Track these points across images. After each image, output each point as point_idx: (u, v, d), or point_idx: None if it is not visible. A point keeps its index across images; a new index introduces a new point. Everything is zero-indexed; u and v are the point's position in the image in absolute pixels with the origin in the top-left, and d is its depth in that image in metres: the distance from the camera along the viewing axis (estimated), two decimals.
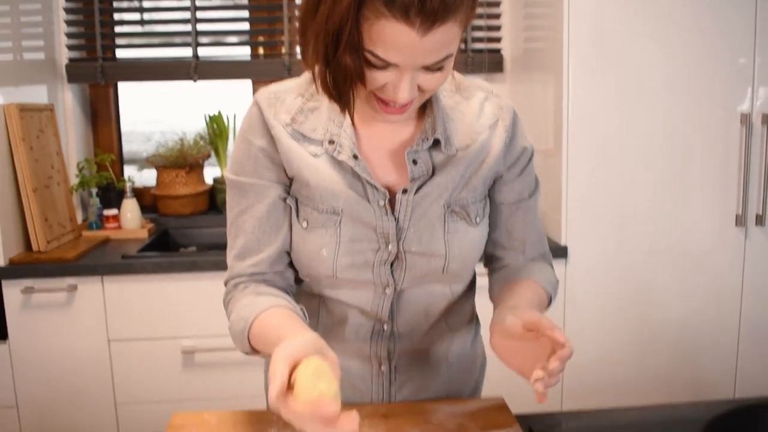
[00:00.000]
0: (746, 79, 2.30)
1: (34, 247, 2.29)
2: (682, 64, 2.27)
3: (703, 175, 2.34)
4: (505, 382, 1.27)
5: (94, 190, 2.68)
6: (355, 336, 1.13)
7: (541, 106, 2.47)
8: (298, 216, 1.07)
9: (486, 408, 1.10)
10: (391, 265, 1.07)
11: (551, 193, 2.41)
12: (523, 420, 1.08)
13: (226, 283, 1.10)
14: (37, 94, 2.55)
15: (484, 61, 2.76)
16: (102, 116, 2.92)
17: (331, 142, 1.02)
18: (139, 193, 2.81)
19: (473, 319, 1.25)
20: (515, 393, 1.28)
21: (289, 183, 1.07)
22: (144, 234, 2.61)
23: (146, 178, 2.98)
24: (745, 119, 2.30)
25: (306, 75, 1.06)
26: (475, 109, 1.08)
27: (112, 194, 2.73)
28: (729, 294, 2.42)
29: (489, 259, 1.22)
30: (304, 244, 1.06)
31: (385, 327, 1.12)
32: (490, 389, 1.27)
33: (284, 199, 1.07)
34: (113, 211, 2.64)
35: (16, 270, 2.21)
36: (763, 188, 2.34)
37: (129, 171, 3.00)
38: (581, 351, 2.37)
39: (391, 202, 1.05)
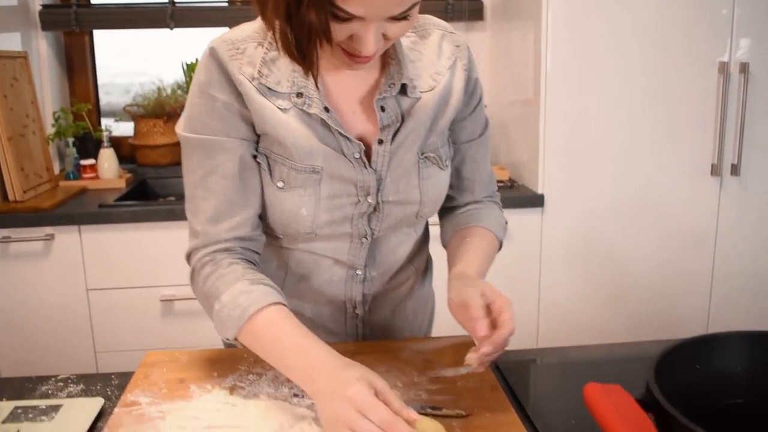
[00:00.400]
0: (726, 30, 2.29)
1: (11, 196, 2.28)
2: (663, 14, 2.25)
3: (680, 124, 2.35)
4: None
5: (71, 140, 2.65)
6: (328, 284, 1.12)
7: (521, 55, 2.46)
8: (271, 175, 1.01)
9: (453, 345, 1.12)
10: (369, 216, 1.06)
11: (529, 142, 2.41)
12: None
13: (193, 251, 1.02)
14: (10, 42, 2.50)
15: (464, 8, 2.73)
16: (78, 65, 2.87)
17: (299, 95, 0.97)
18: (117, 144, 2.79)
19: (429, 258, 1.28)
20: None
21: (256, 139, 1.02)
22: (122, 184, 2.60)
23: (124, 129, 2.96)
24: (723, 68, 2.30)
25: (261, 20, 0.97)
26: (433, 48, 1.06)
27: (89, 144, 2.71)
28: (703, 241, 2.45)
29: None
30: (281, 205, 1.02)
31: (359, 272, 1.12)
32: (457, 328, 1.28)
33: (254, 157, 1.01)
34: (90, 161, 2.62)
35: None
36: (738, 138, 2.35)
37: (107, 122, 2.97)
38: (557, 295, 2.42)
39: (366, 153, 1.02)
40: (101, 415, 0.93)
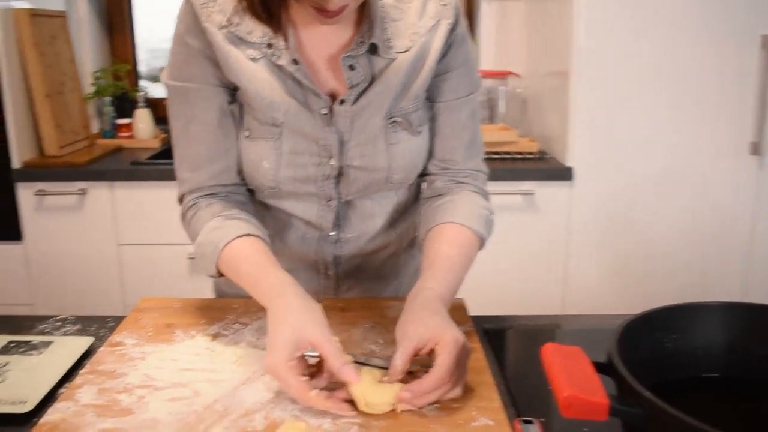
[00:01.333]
0: None
1: (47, 151, 2.35)
2: None
3: (718, 100, 2.27)
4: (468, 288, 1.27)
5: (109, 99, 2.71)
6: (301, 242, 1.13)
7: (557, 26, 2.40)
8: (241, 124, 1.03)
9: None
10: (335, 179, 1.05)
11: (560, 114, 2.37)
12: (479, 320, 1.10)
13: (182, 198, 1.07)
14: (51, 2, 2.56)
15: None
16: (117, 26, 2.93)
17: (270, 45, 0.96)
18: (156, 105, 2.84)
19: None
20: (476, 297, 1.28)
21: (234, 87, 1.02)
22: (156, 144, 2.66)
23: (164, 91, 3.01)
24: (766, 42, 2.21)
25: None
26: (417, 8, 1.01)
27: (126, 104, 2.77)
28: (740, 222, 2.37)
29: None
30: (246, 154, 1.03)
31: (331, 234, 1.12)
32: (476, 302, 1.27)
33: (231, 103, 1.02)
34: (126, 121, 2.68)
35: (29, 173, 2.28)
36: None
37: (146, 84, 3.03)
38: (584, 270, 2.39)
39: (333, 115, 1.00)
40: (89, 354, 0.96)
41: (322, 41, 1.00)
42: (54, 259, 2.36)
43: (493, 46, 2.85)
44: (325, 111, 1.00)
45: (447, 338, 0.83)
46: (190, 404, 0.81)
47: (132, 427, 0.77)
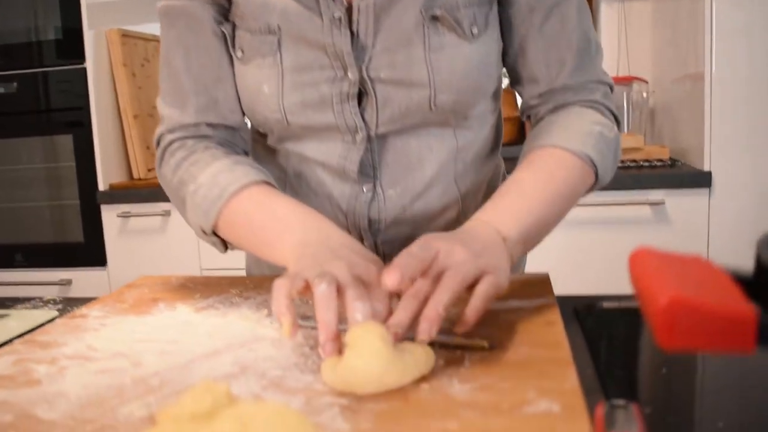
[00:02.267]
0: None
1: (135, 174, 2.27)
2: None
3: None
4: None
5: None
6: (329, 202, 0.87)
7: (688, 25, 2.06)
8: (234, 44, 0.81)
9: (521, 280, 0.81)
10: (359, 102, 0.80)
11: (692, 118, 2.01)
12: (568, 301, 0.80)
13: (161, 137, 0.84)
14: (151, 27, 2.52)
15: None
16: None
17: None
18: None
19: (499, 177, 0.95)
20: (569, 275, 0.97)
21: (228, 5, 0.82)
22: None
23: None
24: None
25: None
26: None
27: None
28: None
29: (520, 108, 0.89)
30: (243, 81, 0.82)
31: (365, 189, 0.85)
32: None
33: (220, 24, 0.82)
34: None
35: (113, 195, 2.20)
36: None
37: None
38: None
39: (351, 12, 0.76)
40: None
41: None
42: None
43: (615, 50, 2.53)
44: (338, 14, 0.76)
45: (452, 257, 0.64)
46: (119, 377, 0.57)
47: (25, 401, 0.54)
